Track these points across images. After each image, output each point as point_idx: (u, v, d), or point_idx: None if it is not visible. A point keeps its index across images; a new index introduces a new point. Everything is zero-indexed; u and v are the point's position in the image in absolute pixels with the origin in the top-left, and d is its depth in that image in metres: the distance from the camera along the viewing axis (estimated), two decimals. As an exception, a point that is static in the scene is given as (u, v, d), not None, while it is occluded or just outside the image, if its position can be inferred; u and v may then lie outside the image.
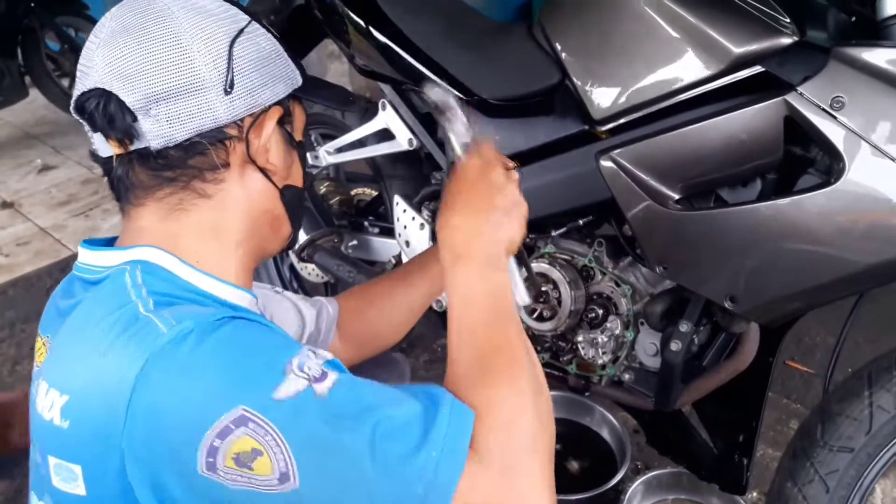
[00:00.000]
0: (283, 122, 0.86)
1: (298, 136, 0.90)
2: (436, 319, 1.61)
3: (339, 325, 1.20)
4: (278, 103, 0.84)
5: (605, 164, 1.25)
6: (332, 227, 1.75)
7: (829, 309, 1.18)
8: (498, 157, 0.91)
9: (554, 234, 1.46)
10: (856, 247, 1.01)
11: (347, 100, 1.10)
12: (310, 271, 2.00)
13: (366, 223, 1.86)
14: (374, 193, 2.01)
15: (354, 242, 1.83)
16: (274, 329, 0.76)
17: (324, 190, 1.91)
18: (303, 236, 1.72)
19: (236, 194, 0.82)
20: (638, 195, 1.21)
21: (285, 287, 2.22)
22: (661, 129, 1.18)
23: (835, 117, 0.99)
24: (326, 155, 1.79)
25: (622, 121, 1.24)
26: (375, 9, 1.41)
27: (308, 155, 1.79)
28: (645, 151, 1.20)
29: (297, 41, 1.67)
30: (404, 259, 1.68)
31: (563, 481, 1.78)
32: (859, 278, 1.04)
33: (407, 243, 1.64)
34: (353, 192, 2.04)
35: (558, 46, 1.28)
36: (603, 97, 1.26)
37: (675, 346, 1.26)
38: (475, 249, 0.80)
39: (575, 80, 1.28)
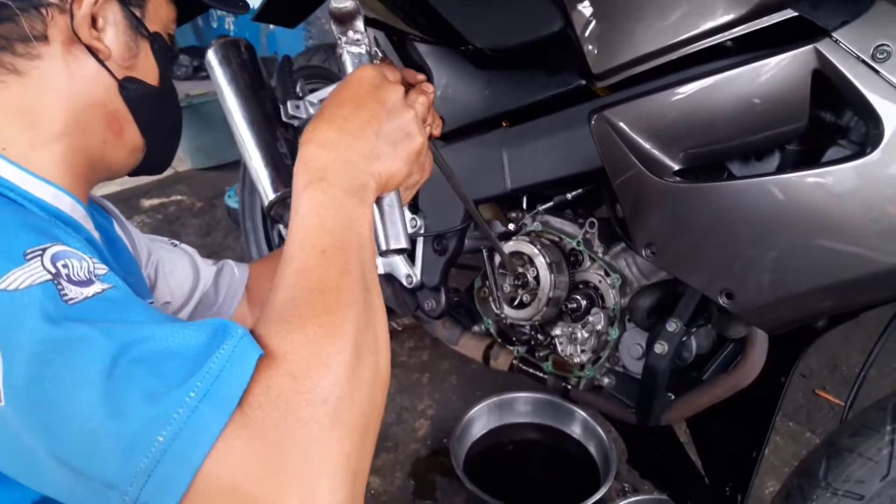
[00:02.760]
0: (129, 2, 0.72)
1: (154, 27, 0.76)
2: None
3: (250, 289, 1.06)
4: None
5: (598, 123, 1.05)
6: (307, 186, 1.58)
7: (875, 336, 0.96)
8: (401, 77, 0.74)
9: (540, 208, 1.26)
10: (892, 236, 0.79)
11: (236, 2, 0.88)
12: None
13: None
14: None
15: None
16: (39, 218, 0.60)
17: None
18: (272, 193, 1.56)
19: (56, 76, 0.67)
20: (629, 161, 1.00)
21: (272, 253, 2.08)
22: (666, 84, 0.98)
23: (876, 71, 0.78)
24: (309, 106, 1.63)
25: (625, 75, 1.04)
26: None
27: (290, 104, 1.63)
28: (644, 110, 1.00)
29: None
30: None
31: (538, 494, 1.59)
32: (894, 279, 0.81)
33: (382, 208, 1.47)
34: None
35: (560, -14, 1.09)
36: (606, 47, 1.05)
37: (659, 348, 1.06)
38: (336, 174, 0.63)
39: (577, 26, 1.08)
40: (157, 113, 0.78)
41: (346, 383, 0.52)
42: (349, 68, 0.74)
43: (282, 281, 0.58)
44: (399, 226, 0.71)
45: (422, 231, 1.40)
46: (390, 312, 1.64)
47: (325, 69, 1.78)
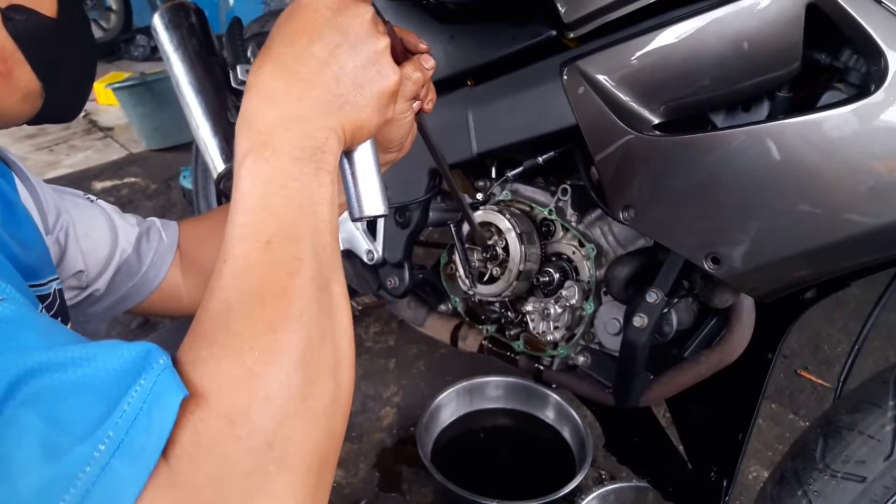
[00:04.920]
0: None
1: None
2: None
3: (183, 251, 0.91)
4: None
5: (570, 76, 0.96)
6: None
7: (857, 315, 0.88)
8: (386, 28, 0.58)
9: (509, 174, 1.16)
10: (894, 188, 0.70)
11: None
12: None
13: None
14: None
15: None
16: None
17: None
18: (222, 165, 1.44)
19: None
20: (605, 116, 0.91)
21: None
22: (644, 29, 0.89)
23: (879, 1, 0.69)
24: (261, 70, 1.52)
25: (599, 22, 0.95)
26: None
27: (239, 69, 1.51)
28: (620, 59, 0.90)
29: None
30: (337, 199, 1.40)
31: (510, 483, 1.50)
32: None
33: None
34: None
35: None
36: (578, -8, 0.96)
37: (638, 321, 0.97)
38: (285, 136, 0.49)
39: (545, -30, 0.99)
40: (57, 50, 0.64)
41: (296, 419, 0.41)
42: None
43: (215, 285, 0.45)
44: (376, 184, 0.59)
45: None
46: (351, 292, 1.54)
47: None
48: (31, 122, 0.68)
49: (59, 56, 0.65)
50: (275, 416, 0.40)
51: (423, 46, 0.66)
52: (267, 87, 0.51)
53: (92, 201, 0.85)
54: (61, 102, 0.68)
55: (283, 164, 0.48)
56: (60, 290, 0.71)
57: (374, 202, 0.59)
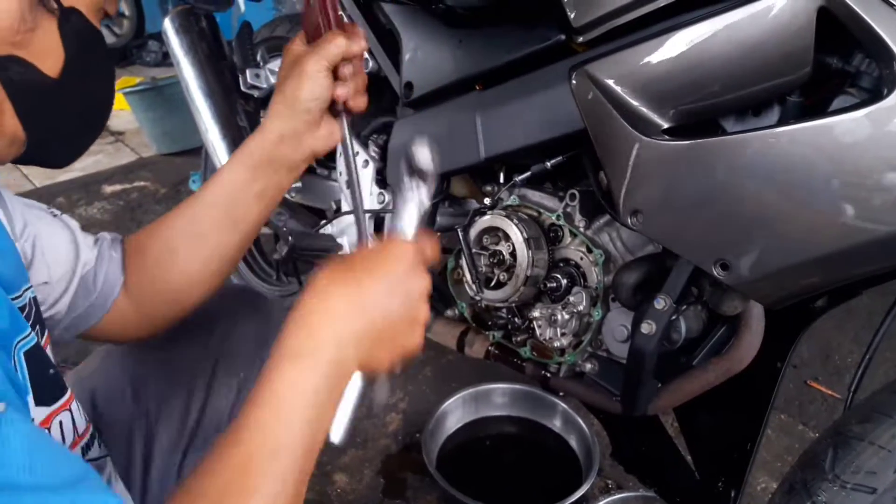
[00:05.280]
0: None
1: (74, 2, 0.61)
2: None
3: (127, 271, 0.85)
4: None
5: (579, 80, 0.95)
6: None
7: (868, 326, 0.87)
8: (430, 261, 0.70)
9: (517, 179, 1.16)
10: (907, 194, 0.69)
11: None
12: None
13: (313, 163, 1.58)
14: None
15: (298, 184, 1.56)
16: None
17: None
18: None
19: None
20: (614, 120, 0.90)
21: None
22: (654, 33, 0.88)
23: (891, 4, 0.69)
24: (270, 75, 1.52)
25: (609, 26, 0.94)
26: None
27: (249, 73, 1.52)
28: (630, 63, 0.90)
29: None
30: (344, 205, 1.40)
31: (515, 492, 1.49)
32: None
33: (347, 183, 1.36)
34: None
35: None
36: (588, -5, 0.96)
37: (647, 328, 0.96)
38: (325, 352, 0.59)
39: (555, -25, 0.98)
40: (50, 107, 0.62)
41: None
42: (405, 226, 0.72)
43: (206, 467, 0.52)
44: (348, 414, 0.64)
45: (390, 207, 1.30)
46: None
47: (288, 40, 1.67)
48: (15, 162, 0.66)
49: (51, 113, 0.63)
50: None
51: (435, 259, 0.72)
52: (333, 303, 0.60)
53: (55, 216, 0.82)
54: (48, 153, 0.67)
55: (316, 380, 0.57)
56: (35, 299, 0.70)
57: (337, 428, 0.63)
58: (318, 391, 0.57)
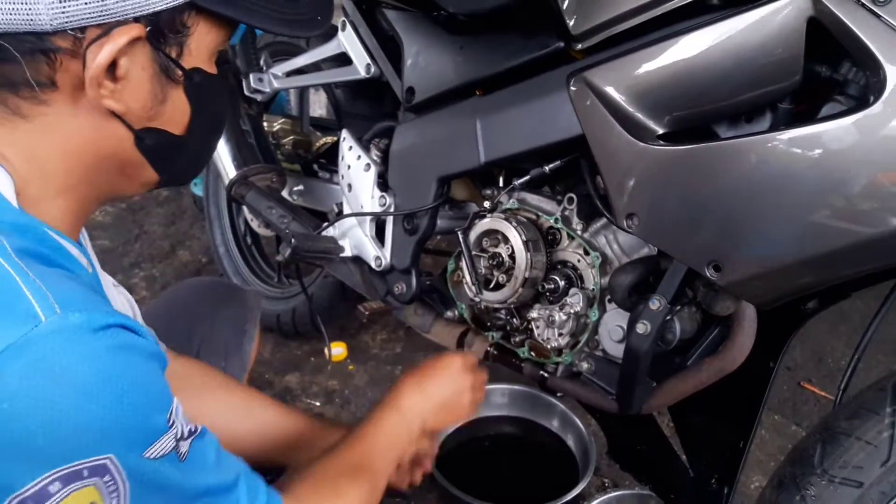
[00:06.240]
0: (162, 41, 0.62)
1: (195, 61, 0.66)
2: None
3: None
4: (155, 16, 0.59)
5: (577, 86, 0.98)
6: (270, 165, 1.49)
7: (861, 329, 0.90)
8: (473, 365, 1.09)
9: (516, 183, 1.18)
10: (892, 197, 0.72)
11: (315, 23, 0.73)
12: (260, 223, 1.75)
13: (315, 166, 1.61)
14: (340, 141, 1.76)
15: (300, 188, 1.58)
16: (151, 353, 0.59)
17: (277, 127, 1.66)
18: (233, 171, 1.47)
19: (64, 125, 0.60)
20: (610, 125, 0.93)
21: (237, 240, 1.99)
22: (650, 41, 0.91)
23: (877, 15, 0.72)
24: (273, 79, 1.54)
25: (606, 34, 0.97)
26: None
27: (252, 77, 1.55)
28: (627, 70, 0.93)
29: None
30: (346, 207, 1.42)
31: (513, 490, 1.51)
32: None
33: (349, 186, 1.38)
34: (319, 143, 1.79)
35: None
36: (586, 4, 0.98)
37: (642, 328, 0.98)
38: (417, 418, 0.96)
39: (555, -17, 1.01)
40: (181, 155, 0.72)
41: None
42: None
43: (351, 443, 0.87)
44: None
45: (391, 210, 1.32)
46: (359, 297, 1.56)
47: (291, 45, 1.70)
48: None
49: (181, 159, 0.72)
50: None
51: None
52: (417, 395, 0.97)
53: (115, 286, 0.87)
54: (177, 181, 0.78)
55: (406, 427, 0.94)
56: None
57: None
58: (402, 441, 0.93)
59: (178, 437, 0.56)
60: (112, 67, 0.59)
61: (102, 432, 0.50)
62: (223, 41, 0.68)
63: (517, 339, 1.23)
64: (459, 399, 1.01)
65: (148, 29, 0.59)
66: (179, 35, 0.63)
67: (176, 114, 0.67)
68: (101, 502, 0.51)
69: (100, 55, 0.57)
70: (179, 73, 0.65)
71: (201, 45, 0.65)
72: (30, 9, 0.54)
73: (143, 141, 0.65)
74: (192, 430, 0.59)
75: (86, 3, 0.55)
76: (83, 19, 0.56)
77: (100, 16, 0.56)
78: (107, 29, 0.57)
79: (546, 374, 1.22)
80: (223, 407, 0.99)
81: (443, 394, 0.99)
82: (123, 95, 0.61)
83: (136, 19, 0.58)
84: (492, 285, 1.20)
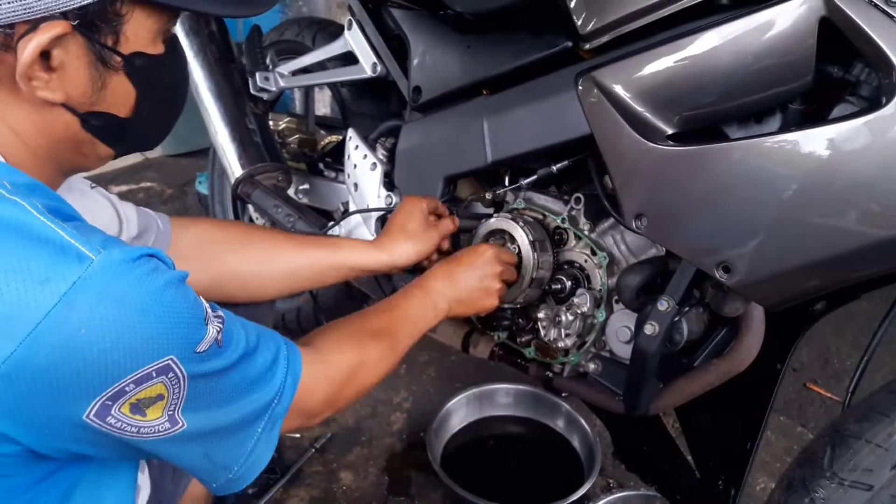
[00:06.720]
0: (95, 30, 0.63)
1: (135, 46, 0.66)
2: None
3: (175, 247, 1.01)
4: (83, 8, 0.61)
5: (585, 86, 0.98)
6: (275, 163, 1.49)
7: (867, 330, 0.89)
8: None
9: (523, 182, 1.18)
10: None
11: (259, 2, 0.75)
12: (265, 222, 1.75)
13: (321, 165, 1.60)
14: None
15: (305, 186, 1.58)
16: (176, 272, 0.66)
17: (283, 125, 1.66)
18: (239, 170, 1.47)
19: (15, 115, 0.65)
20: (619, 126, 0.93)
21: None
22: (660, 41, 0.90)
23: (890, 15, 0.71)
24: (279, 78, 1.54)
25: (615, 34, 0.97)
26: None
27: (258, 76, 1.55)
28: (636, 70, 0.92)
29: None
30: (351, 206, 1.42)
31: (518, 490, 1.51)
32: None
33: (355, 186, 1.38)
34: (325, 142, 1.79)
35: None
36: (594, 3, 0.98)
37: (650, 329, 0.98)
38: (443, 299, 1.01)
39: (563, -17, 1.00)
40: (132, 132, 0.74)
41: (373, 377, 0.89)
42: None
43: (384, 307, 0.96)
44: None
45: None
46: (364, 297, 1.56)
47: (297, 43, 1.69)
48: None
49: (133, 135, 0.74)
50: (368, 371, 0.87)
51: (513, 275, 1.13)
52: (444, 279, 1.03)
53: (93, 187, 0.92)
54: (137, 147, 0.80)
55: (434, 304, 1.00)
56: None
57: None
58: (427, 316, 0.98)
59: (215, 329, 0.65)
60: (48, 57, 0.61)
61: (162, 340, 0.59)
62: (166, 24, 0.69)
63: (523, 339, 1.23)
64: (487, 287, 1.05)
65: (76, 22, 0.61)
66: (113, 24, 0.64)
67: (119, 97, 0.69)
68: (166, 392, 0.61)
69: (27, 50, 0.59)
70: (118, 59, 0.66)
71: (140, 31, 0.66)
72: None
73: (89, 123, 0.68)
74: (218, 315, 0.66)
75: (9, 2, 0.58)
76: (8, 16, 0.58)
77: (25, 12, 0.58)
78: (34, 24, 0.59)
79: (552, 375, 1.22)
80: (253, 256, 1.08)
81: (470, 282, 1.03)
82: (62, 84, 0.63)
83: (64, 13, 0.60)
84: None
